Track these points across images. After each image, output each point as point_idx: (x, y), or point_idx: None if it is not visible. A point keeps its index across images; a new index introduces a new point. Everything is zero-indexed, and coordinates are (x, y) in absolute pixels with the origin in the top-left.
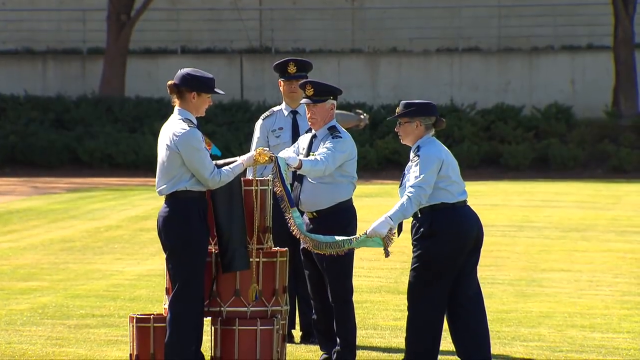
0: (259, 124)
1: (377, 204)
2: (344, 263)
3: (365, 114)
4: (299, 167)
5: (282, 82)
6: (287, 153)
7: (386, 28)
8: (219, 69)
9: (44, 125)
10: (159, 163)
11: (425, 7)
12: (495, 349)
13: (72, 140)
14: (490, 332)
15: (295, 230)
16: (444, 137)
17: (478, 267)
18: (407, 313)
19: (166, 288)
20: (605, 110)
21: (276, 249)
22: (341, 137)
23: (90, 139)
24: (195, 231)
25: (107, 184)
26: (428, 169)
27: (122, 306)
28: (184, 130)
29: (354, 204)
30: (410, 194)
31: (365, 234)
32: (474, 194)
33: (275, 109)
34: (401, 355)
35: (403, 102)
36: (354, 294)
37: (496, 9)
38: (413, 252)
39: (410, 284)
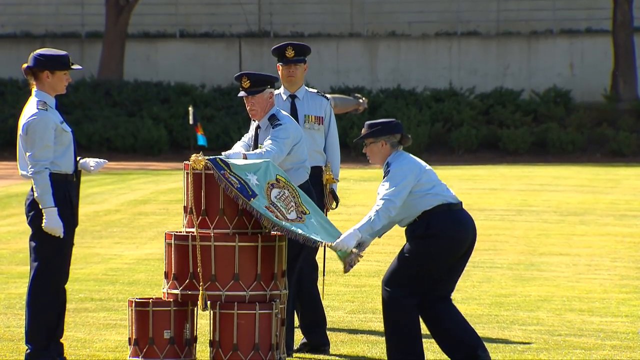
0: None
1: (375, 188)
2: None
3: (363, 98)
4: None
5: (280, 66)
6: (236, 147)
7: (385, 12)
8: (217, 53)
9: None
10: (18, 147)
11: None
12: (494, 332)
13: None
14: (488, 317)
15: (266, 220)
16: (443, 121)
17: (476, 251)
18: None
19: (165, 272)
20: (604, 94)
21: (275, 233)
22: (281, 124)
23: (88, 123)
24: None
25: (106, 168)
26: (399, 182)
27: (121, 290)
28: (32, 117)
29: (311, 186)
30: (378, 207)
31: (332, 245)
32: (472, 178)
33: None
34: None
35: (367, 122)
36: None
37: None
38: (406, 244)
39: (393, 270)
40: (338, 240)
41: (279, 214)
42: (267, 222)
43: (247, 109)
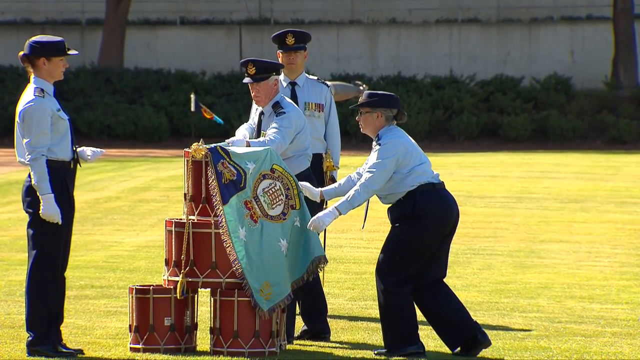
0: None
1: None
2: None
3: (364, 85)
4: None
5: (280, 53)
6: (240, 132)
7: None
8: (218, 40)
9: None
10: (16, 134)
11: None
12: (494, 320)
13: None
14: (489, 304)
15: (224, 229)
16: (443, 108)
17: (477, 238)
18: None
19: (165, 259)
20: (605, 81)
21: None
22: (285, 113)
23: (89, 110)
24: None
25: (106, 155)
26: (386, 160)
27: (122, 277)
28: (29, 104)
29: (312, 173)
30: (364, 180)
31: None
32: (473, 166)
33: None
34: None
35: (366, 92)
36: (353, 265)
37: None
38: (392, 229)
39: (384, 259)
40: (315, 218)
41: (257, 210)
42: (223, 231)
43: (252, 95)
